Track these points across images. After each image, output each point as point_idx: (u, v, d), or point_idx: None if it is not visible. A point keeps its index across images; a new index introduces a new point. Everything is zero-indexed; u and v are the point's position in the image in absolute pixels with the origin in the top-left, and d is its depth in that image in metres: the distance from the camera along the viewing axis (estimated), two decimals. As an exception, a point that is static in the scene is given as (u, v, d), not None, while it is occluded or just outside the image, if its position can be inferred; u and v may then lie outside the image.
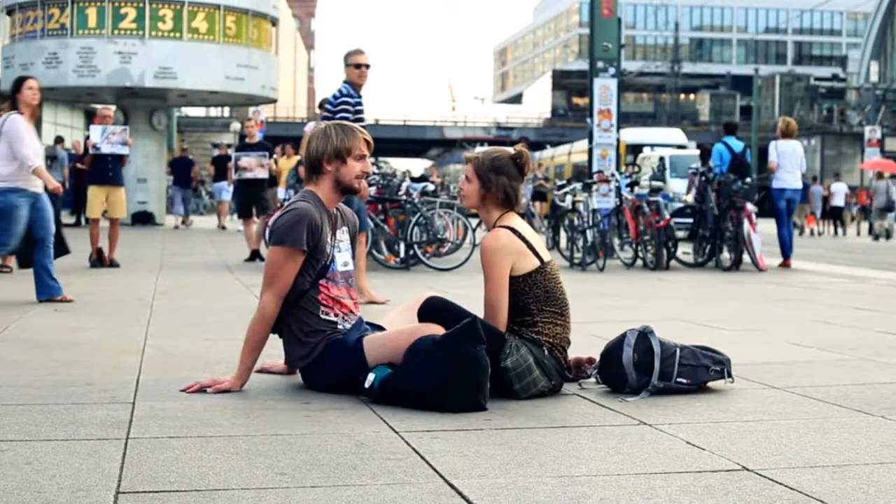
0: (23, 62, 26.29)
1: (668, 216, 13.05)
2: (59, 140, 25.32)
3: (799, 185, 13.44)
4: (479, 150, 5.57)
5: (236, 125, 45.66)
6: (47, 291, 8.10)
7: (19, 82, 8.22)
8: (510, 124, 76.83)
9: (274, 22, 28.98)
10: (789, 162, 13.31)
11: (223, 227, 24.52)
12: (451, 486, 2.93)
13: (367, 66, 8.70)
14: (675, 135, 38.06)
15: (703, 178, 13.66)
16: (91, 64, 25.43)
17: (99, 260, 11.77)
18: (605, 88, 16.16)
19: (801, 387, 4.60)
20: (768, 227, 13.95)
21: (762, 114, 72.11)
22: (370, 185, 12.61)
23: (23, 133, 7.98)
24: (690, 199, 13.78)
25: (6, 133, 7.99)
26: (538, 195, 22.38)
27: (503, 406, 4.06)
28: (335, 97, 8.68)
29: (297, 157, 20.79)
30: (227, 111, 59.61)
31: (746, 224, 12.69)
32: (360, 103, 8.70)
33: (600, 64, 16.46)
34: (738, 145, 13.99)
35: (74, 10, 25.58)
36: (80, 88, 26.87)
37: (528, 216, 15.04)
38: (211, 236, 20.65)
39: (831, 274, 12.27)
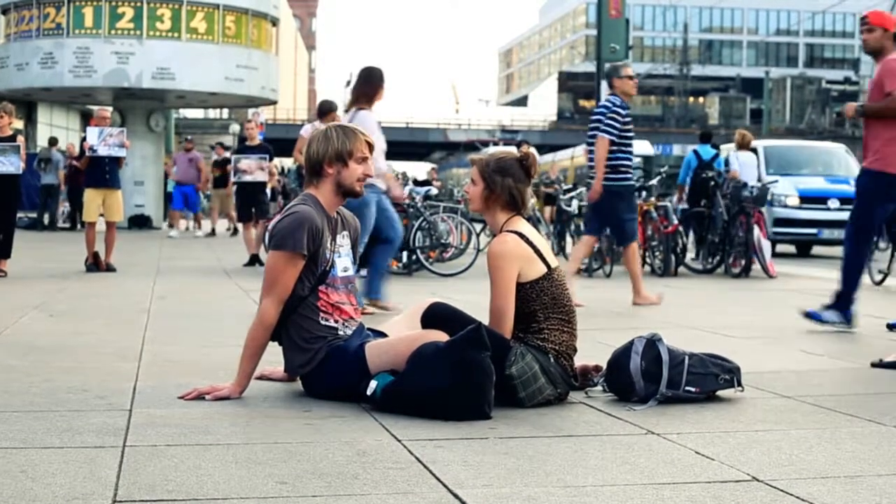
0: (18, 62, 26.33)
1: (676, 221, 13.06)
2: (53, 142, 25.36)
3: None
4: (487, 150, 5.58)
5: (235, 127, 45.70)
6: (374, 292, 8.07)
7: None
8: (515, 127, 76.85)
9: (274, 22, 29.01)
10: (748, 171, 14.31)
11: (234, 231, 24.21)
12: (455, 495, 2.93)
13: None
14: (642, 146, 38.98)
15: (713, 184, 13.69)
16: (87, 64, 25.45)
17: (95, 264, 11.78)
18: (612, 90, 16.14)
19: (813, 396, 4.59)
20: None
21: (773, 117, 72.16)
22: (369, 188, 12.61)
23: (375, 129, 8.00)
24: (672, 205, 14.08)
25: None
26: (548, 199, 22.20)
27: (508, 414, 4.06)
28: (605, 109, 8.98)
29: None
30: (226, 113, 59.63)
31: (756, 230, 12.69)
32: (629, 115, 9.12)
33: (607, 65, 16.45)
34: (708, 153, 14.99)
35: (70, 9, 25.60)
36: (77, 89, 26.89)
37: (533, 221, 15.05)
38: (210, 240, 20.66)
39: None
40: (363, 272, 7.79)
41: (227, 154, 21.18)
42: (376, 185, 8.01)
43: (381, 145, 8.03)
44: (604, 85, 16.29)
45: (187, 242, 19.72)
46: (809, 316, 7.23)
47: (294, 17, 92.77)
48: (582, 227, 10.14)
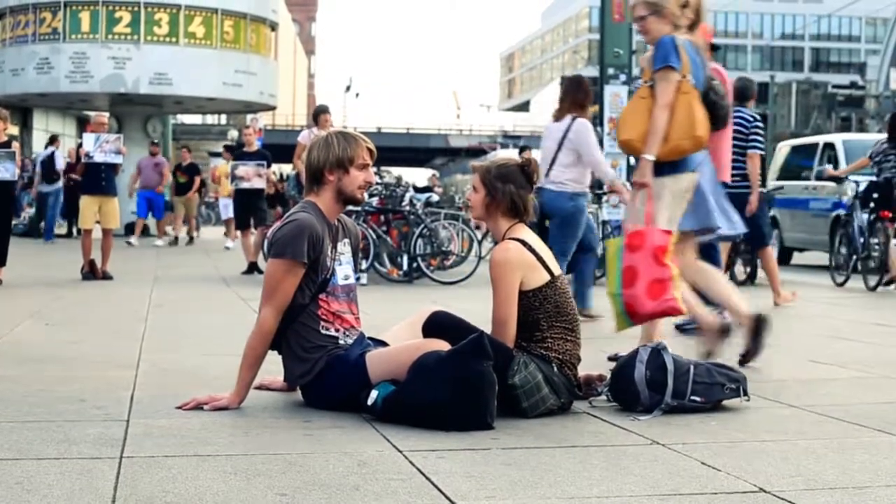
0: (13, 67, 26.39)
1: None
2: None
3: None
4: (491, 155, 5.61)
5: (234, 133, 45.72)
6: (582, 302, 8.09)
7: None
8: (517, 132, 76.87)
9: (273, 26, 29.06)
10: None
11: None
12: (458, 507, 2.93)
13: None
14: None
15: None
16: (84, 69, 25.49)
17: (91, 272, 11.77)
18: (615, 96, 16.18)
19: (820, 405, 4.59)
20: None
21: (778, 122, 72.14)
22: (371, 195, 12.63)
23: (593, 138, 8.16)
24: None
25: (574, 138, 8.10)
26: None
27: (511, 425, 4.06)
28: (748, 122, 9.39)
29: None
30: (224, 118, 59.70)
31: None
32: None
33: (611, 70, 16.49)
34: None
35: (67, 13, 25.65)
36: (73, 95, 26.94)
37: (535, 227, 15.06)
38: (208, 249, 20.65)
39: (849, 288, 12.25)
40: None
41: (220, 162, 20.91)
42: (588, 193, 8.26)
43: (599, 155, 8.20)
44: (607, 89, 16.33)
45: (181, 250, 19.72)
46: None
47: (293, 21, 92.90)
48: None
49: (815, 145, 16.76)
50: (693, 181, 5.59)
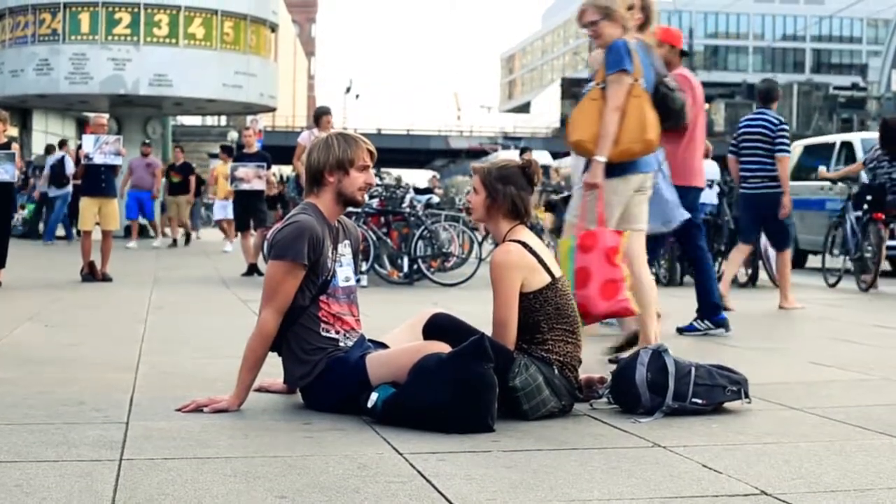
0: (13, 68, 26.39)
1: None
2: (49, 150, 25.36)
3: (714, 200, 13.75)
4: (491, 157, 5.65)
5: (234, 134, 45.72)
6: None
7: None
8: (518, 134, 76.89)
9: (273, 28, 29.07)
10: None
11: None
12: (458, 510, 2.93)
13: None
14: (543, 155, 39.88)
15: (720, 192, 13.69)
16: (83, 71, 25.49)
17: (91, 274, 11.77)
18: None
19: (822, 408, 4.59)
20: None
21: (779, 124, 72.10)
22: (372, 197, 12.63)
23: None
24: None
25: None
26: (549, 206, 22.12)
27: (511, 427, 4.06)
28: (774, 125, 9.49)
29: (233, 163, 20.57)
30: (224, 120, 59.70)
31: (763, 238, 12.67)
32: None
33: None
34: None
35: (66, 15, 25.66)
36: (73, 96, 26.95)
37: (537, 230, 15.05)
38: (208, 251, 20.65)
39: (850, 290, 12.26)
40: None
41: (219, 163, 20.80)
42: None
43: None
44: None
45: (180, 251, 19.72)
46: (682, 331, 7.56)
47: (293, 22, 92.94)
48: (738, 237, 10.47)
49: (832, 145, 16.59)
50: (643, 182, 5.68)
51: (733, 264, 10.02)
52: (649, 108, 5.54)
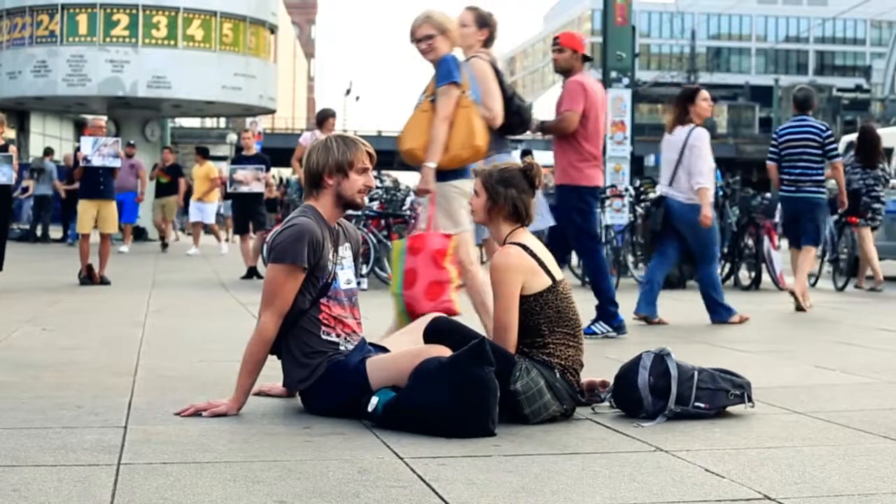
0: (10, 70, 26.41)
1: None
2: (48, 152, 25.40)
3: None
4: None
5: (233, 137, 45.71)
6: (723, 314, 8.52)
7: (694, 92, 8.66)
8: (519, 136, 76.68)
9: (272, 29, 29.10)
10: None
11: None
12: (459, 515, 2.93)
13: None
14: (549, 157, 39.66)
15: (722, 194, 13.70)
16: (81, 73, 25.52)
17: (89, 277, 11.78)
18: (618, 99, 16.16)
19: (825, 412, 4.59)
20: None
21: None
22: (372, 199, 12.64)
23: (708, 148, 8.44)
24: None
25: (691, 145, 8.38)
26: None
27: (513, 431, 4.06)
28: (822, 130, 9.91)
29: (210, 164, 20.49)
30: (223, 122, 59.72)
31: (766, 241, 12.71)
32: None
33: (613, 74, 16.46)
34: None
35: (64, 16, 25.69)
36: (70, 98, 26.97)
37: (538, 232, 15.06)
38: (207, 254, 20.66)
39: (853, 293, 12.26)
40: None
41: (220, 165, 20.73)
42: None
43: (704, 165, 8.40)
44: (610, 93, 16.30)
45: (179, 254, 19.71)
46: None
47: (293, 24, 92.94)
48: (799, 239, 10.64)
49: (847, 143, 16.74)
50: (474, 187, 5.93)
51: (806, 266, 10.11)
52: (477, 118, 5.85)
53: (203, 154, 20.42)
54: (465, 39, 6.45)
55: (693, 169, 8.33)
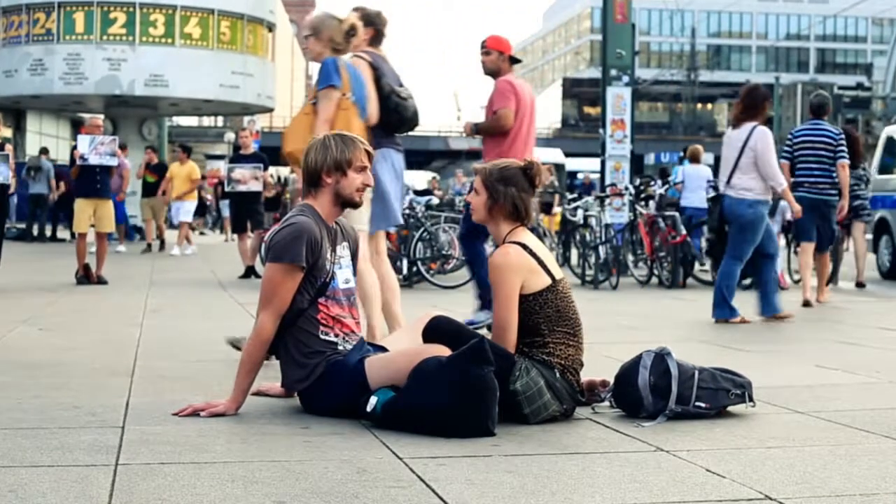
0: (6, 68, 26.41)
1: (684, 232, 13.06)
2: (43, 151, 25.39)
3: (703, 204, 14.21)
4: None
5: (230, 135, 45.74)
6: (770, 308, 8.72)
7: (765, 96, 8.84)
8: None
9: (270, 27, 29.10)
10: (694, 183, 15.22)
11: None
12: (459, 515, 2.93)
13: None
14: (555, 154, 40.48)
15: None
16: (78, 71, 25.52)
17: (86, 276, 11.78)
18: (618, 97, 16.18)
19: (827, 411, 4.59)
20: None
21: (784, 124, 72.02)
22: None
23: (772, 147, 8.55)
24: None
25: (754, 146, 8.48)
26: (544, 207, 22.13)
27: (512, 431, 4.06)
28: (836, 135, 10.17)
29: (192, 164, 20.39)
30: (220, 121, 59.71)
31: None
32: None
33: (613, 72, 16.47)
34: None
35: (61, 14, 25.69)
36: (67, 97, 26.98)
37: (538, 232, 15.07)
38: (205, 253, 20.65)
39: (854, 292, 12.26)
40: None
41: (219, 164, 20.65)
42: (769, 201, 8.71)
43: (774, 164, 8.53)
44: (609, 91, 16.32)
45: (176, 255, 19.70)
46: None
47: (291, 22, 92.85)
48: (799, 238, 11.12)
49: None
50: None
51: (807, 264, 10.38)
52: (356, 119, 6.01)
53: (187, 152, 20.17)
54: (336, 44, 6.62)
55: (766, 171, 8.47)
